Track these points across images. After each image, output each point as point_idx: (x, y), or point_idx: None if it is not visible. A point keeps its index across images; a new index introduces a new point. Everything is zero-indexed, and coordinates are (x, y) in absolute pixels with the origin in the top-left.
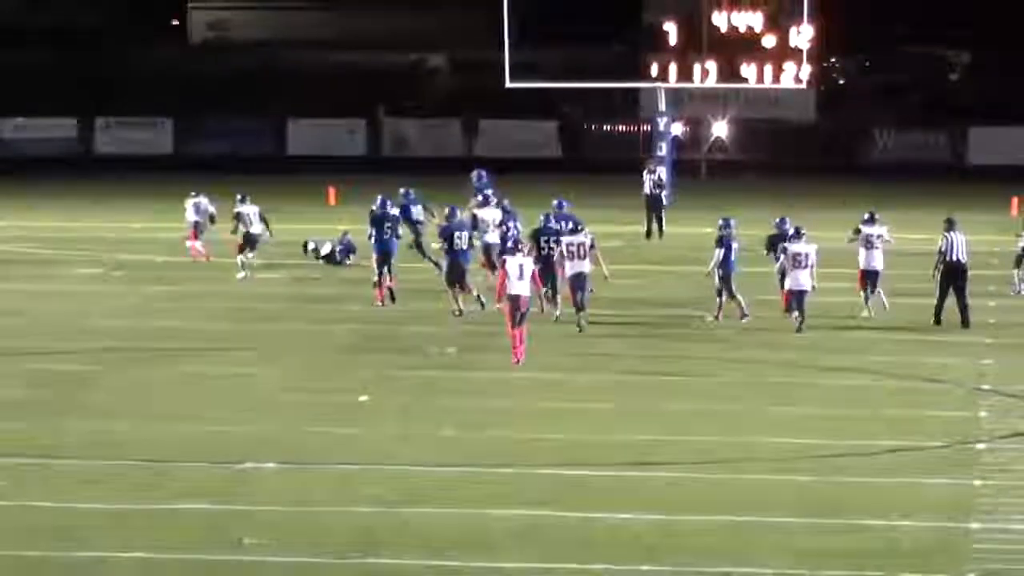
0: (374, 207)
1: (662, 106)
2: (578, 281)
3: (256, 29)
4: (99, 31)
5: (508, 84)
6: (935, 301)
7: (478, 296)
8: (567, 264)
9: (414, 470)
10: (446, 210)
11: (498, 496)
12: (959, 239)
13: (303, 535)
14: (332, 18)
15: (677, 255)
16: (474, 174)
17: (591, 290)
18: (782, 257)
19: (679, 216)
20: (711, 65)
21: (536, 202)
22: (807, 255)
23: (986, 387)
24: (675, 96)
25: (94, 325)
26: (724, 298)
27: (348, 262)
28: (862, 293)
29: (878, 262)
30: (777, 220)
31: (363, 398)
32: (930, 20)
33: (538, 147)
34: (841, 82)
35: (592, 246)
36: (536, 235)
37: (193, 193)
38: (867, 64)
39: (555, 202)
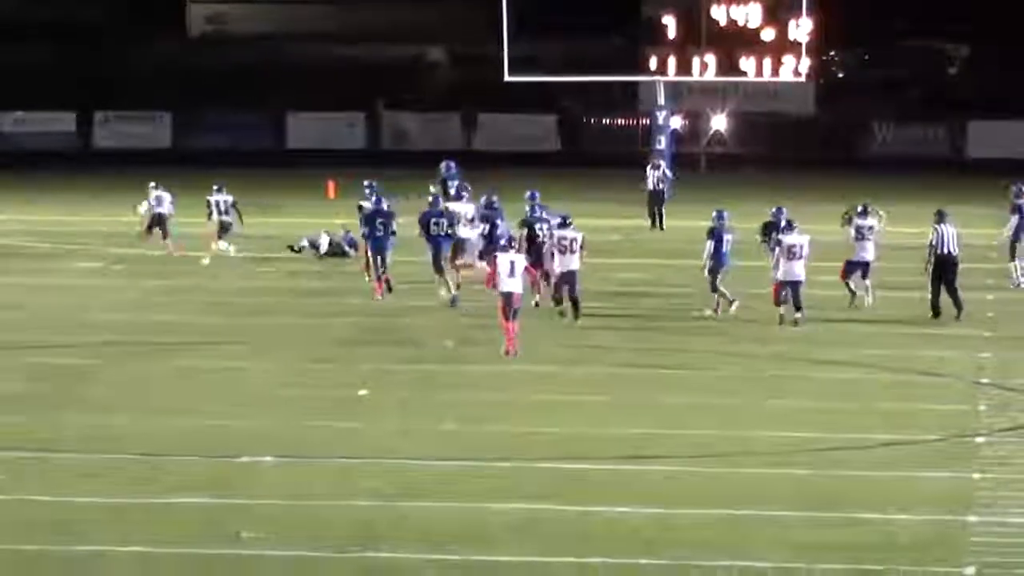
0: (365, 204)
1: (661, 100)
2: (568, 277)
3: (255, 23)
4: (98, 25)
5: (507, 78)
6: (929, 295)
7: (457, 286)
8: (558, 258)
9: (413, 464)
10: (429, 198)
11: (496, 490)
12: (950, 231)
13: (302, 529)
14: (331, 11)
15: (676, 248)
16: (443, 165)
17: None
18: (777, 249)
19: (678, 209)
20: (710, 58)
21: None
22: (801, 246)
23: (985, 380)
24: (674, 89)
25: (93, 319)
26: (719, 290)
27: (352, 255)
28: (847, 283)
29: (869, 253)
30: (774, 209)
31: (362, 392)
32: (929, 14)
33: (537, 141)
34: (840, 76)
35: (582, 245)
36: (529, 224)
37: (153, 184)
38: (866, 58)
39: (528, 193)
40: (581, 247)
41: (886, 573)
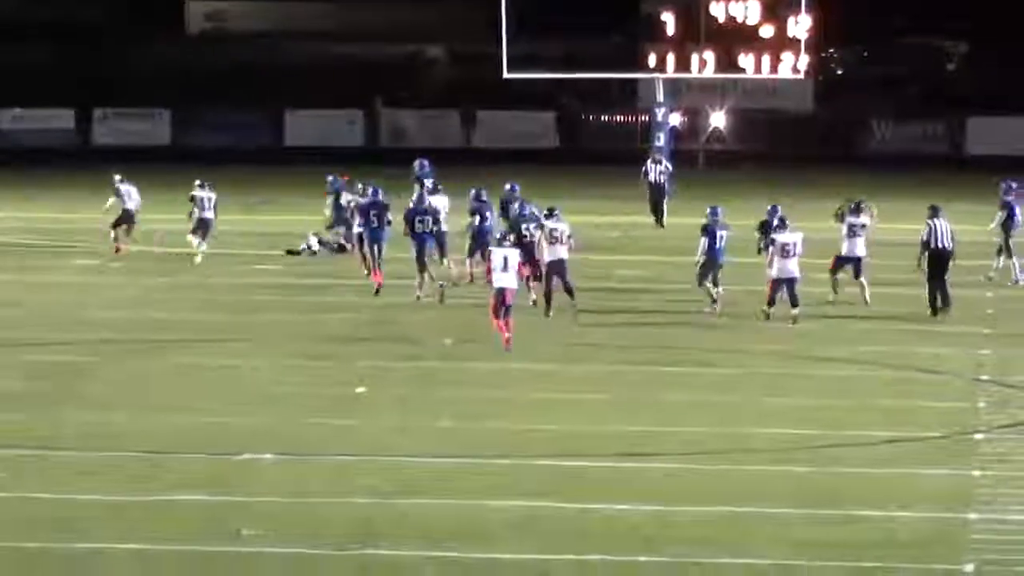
0: (360, 197)
1: (660, 96)
2: (556, 267)
3: (254, 20)
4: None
5: (506, 75)
6: (926, 292)
7: (441, 285)
8: (547, 249)
9: (411, 461)
10: (415, 195)
11: (495, 487)
12: (943, 226)
13: (301, 526)
14: (330, 9)
15: (674, 245)
16: (416, 163)
17: (574, 304)
18: (771, 248)
19: (677, 206)
20: (709, 55)
21: (534, 193)
22: (795, 244)
23: (985, 377)
24: (673, 86)
25: (91, 316)
26: (715, 287)
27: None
28: (834, 278)
29: (860, 249)
30: (769, 207)
31: (360, 389)
32: (928, 11)
33: (536, 138)
34: (839, 73)
35: (570, 235)
36: (516, 223)
37: (118, 178)
38: (865, 55)
39: (507, 186)
40: (569, 236)
41: (886, 571)
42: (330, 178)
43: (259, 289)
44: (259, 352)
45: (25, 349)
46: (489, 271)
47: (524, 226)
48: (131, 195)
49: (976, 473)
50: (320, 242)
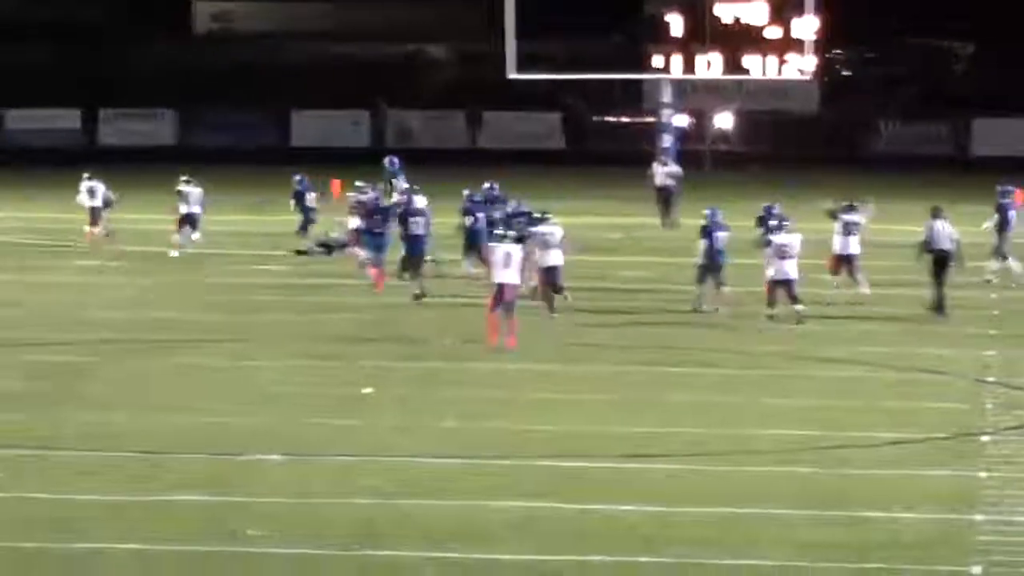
0: (365, 199)
1: (666, 98)
2: (551, 273)
3: (260, 21)
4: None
5: (511, 75)
6: (931, 293)
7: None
8: (539, 254)
9: (413, 461)
10: (403, 196)
11: (496, 488)
12: (944, 228)
13: (303, 526)
14: (335, 10)
15: (679, 246)
16: (386, 160)
17: (565, 296)
18: (768, 249)
19: (682, 207)
20: (714, 56)
21: (541, 194)
22: (792, 245)
23: (991, 379)
24: (678, 87)
25: (91, 316)
26: (708, 287)
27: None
28: (833, 277)
29: (854, 247)
30: (765, 205)
31: (367, 390)
32: (931, 12)
33: (542, 139)
34: (844, 74)
35: (563, 238)
36: (507, 221)
37: (87, 176)
38: (870, 56)
39: (485, 185)
40: (562, 238)
41: (891, 572)
42: (296, 177)
43: (261, 289)
44: (261, 352)
45: (25, 349)
46: (490, 266)
47: (516, 224)
48: (93, 192)
49: (982, 474)
50: (320, 244)
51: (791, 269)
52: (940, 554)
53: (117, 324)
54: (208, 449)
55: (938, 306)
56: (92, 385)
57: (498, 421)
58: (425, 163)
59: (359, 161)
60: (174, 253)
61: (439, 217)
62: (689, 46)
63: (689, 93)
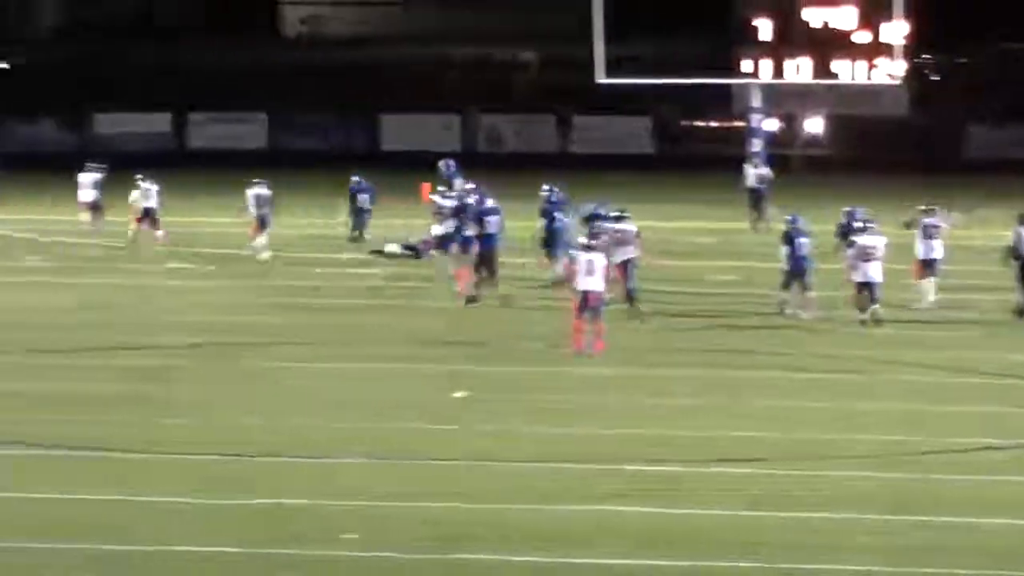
0: (456, 202)
1: (755, 102)
2: (624, 268)
3: (349, 24)
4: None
5: (600, 80)
6: (1018, 297)
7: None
8: (614, 250)
9: (503, 466)
10: (476, 196)
11: (586, 492)
12: None
13: (392, 530)
14: (425, 13)
15: (769, 250)
16: (442, 163)
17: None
18: (852, 251)
19: (773, 212)
20: (803, 61)
21: (631, 197)
22: (876, 248)
23: None
24: (768, 91)
25: (181, 320)
26: (794, 292)
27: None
28: (921, 282)
29: (937, 252)
30: (847, 209)
31: (458, 394)
32: (1020, 17)
33: (631, 143)
34: (934, 78)
35: (638, 234)
36: (587, 222)
37: (140, 177)
38: (960, 61)
39: (545, 187)
40: (637, 235)
41: None
42: (354, 178)
43: (350, 292)
44: (351, 355)
45: (116, 352)
46: (573, 274)
47: (593, 225)
48: (150, 193)
49: None
50: (406, 247)
51: (875, 272)
52: None
53: (207, 327)
54: (299, 452)
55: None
56: (181, 388)
57: (587, 425)
58: (515, 167)
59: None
60: (264, 255)
61: (527, 221)
62: (778, 50)
63: (778, 97)
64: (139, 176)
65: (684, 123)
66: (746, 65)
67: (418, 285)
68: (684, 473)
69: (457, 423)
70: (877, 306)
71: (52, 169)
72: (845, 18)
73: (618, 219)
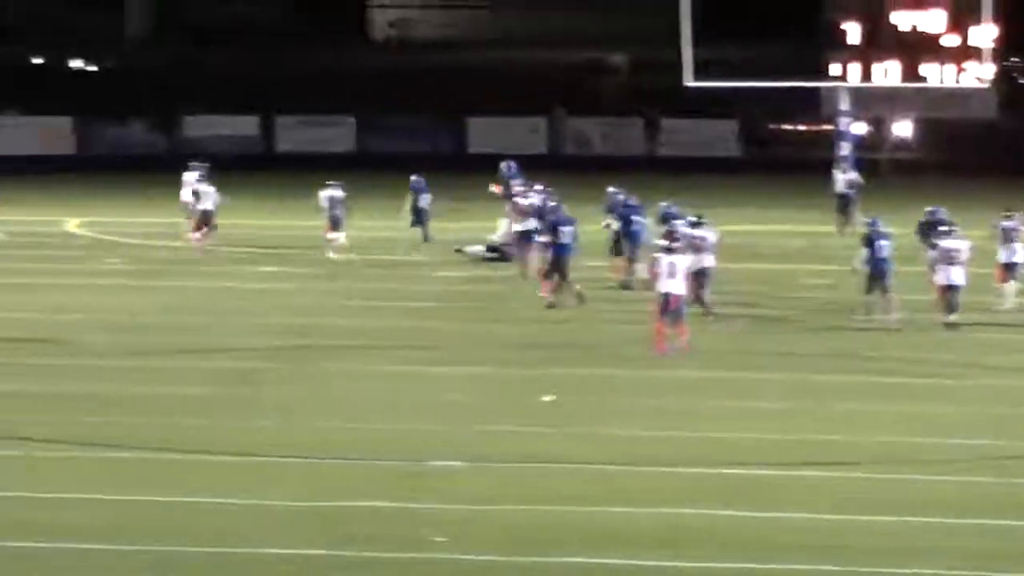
0: (538, 204)
1: (843, 105)
2: (698, 277)
3: (436, 28)
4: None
5: (687, 83)
6: None
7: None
8: (693, 257)
9: (594, 469)
10: (552, 203)
11: (672, 494)
12: None
13: (486, 533)
14: (513, 16)
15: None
16: (503, 165)
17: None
18: (934, 252)
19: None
20: (892, 64)
21: (718, 201)
22: (960, 251)
23: None
24: (856, 95)
25: (276, 322)
26: (876, 295)
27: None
28: (1003, 286)
29: (1019, 255)
30: (929, 209)
31: (548, 397)
32: None
33: (718, 146)
34: (1022, 81)
35: (716, 242)
36: (663, 222)
37: (199, 173)
38: None
39: (610, 189)
40: (716, 242)
41: None
42: (414, 177)
43: (439, 296)
44: (436, 359)
45: (210, 355)
46: (655, 276)
47: (670, 225)
48: (206, 196)
49: None
50: (491, 249)
51: (958, 275)
52: None
53: (301, 330)
54: (394, 456)
55: None
56: (273, 391)
57: (673, 428)
58: (602, 170)
59: (536, 168)
60: (338, 255)
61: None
62: (867, 53)
63: (866, 100)
64: (197, 174)
65: (771, 126)
66: (834, 68)
67: (501, 288)
68: (770, 476)
69: (546, 426)
70: (954, 316)
71: (141, 171)
72: (934, 21)
73: (695, 225)
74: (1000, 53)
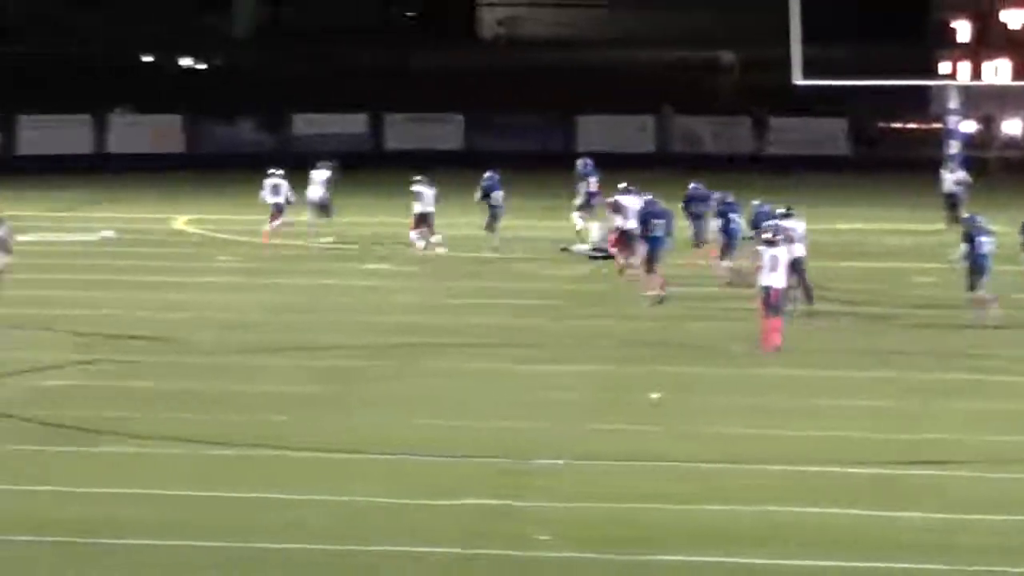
0: (629, 202)
1: (953, 103)
2: (794, 267)
3: (545, 26)
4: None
5: (796, 81)
6: None
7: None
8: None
9: (698, 467)
10: (645, 198)
11: (778, 493)
12: None
13: (590, 531)
14: (621, 15)
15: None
16: (579, 162)
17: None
18: None
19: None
20: (1002, 62)
21: (828, 200)
22: None
23: None
24: (966, 93)
25: (381, 320)
26: (978, 292)
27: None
28: None
29: None
30: None
31: (654, 395)
32: None
33: (827, 144)
34: None
35: (804, 235)
36: (755, 222)
37: (272, 172)
38: None
39: (692, 185)
40: (803, 235)
41: None
42: (487, 174)
43: (544, 294)
44: (542, 357)
45: (315, 352)
46: (757, 270)
47: (764, 221)
48: (278, 190)
49: None
50: (596, 249)
51: None
52: None
53: (407, 328)
54: (499, 454)
55: None
56: (380, 389)
57: (778, 427)
58: (711, 169)
59: (644, 166)
60: (422, 251)
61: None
62: (977, 52)
63: (976, 99)
64: (271, 171)
65: (880, 125)
66: (944, 67)
67: (606, 287)
68: (874, 475)
69: (650, 424)
70: None
71: (250, 169)
72: None
73: (785, 216)
74: None
